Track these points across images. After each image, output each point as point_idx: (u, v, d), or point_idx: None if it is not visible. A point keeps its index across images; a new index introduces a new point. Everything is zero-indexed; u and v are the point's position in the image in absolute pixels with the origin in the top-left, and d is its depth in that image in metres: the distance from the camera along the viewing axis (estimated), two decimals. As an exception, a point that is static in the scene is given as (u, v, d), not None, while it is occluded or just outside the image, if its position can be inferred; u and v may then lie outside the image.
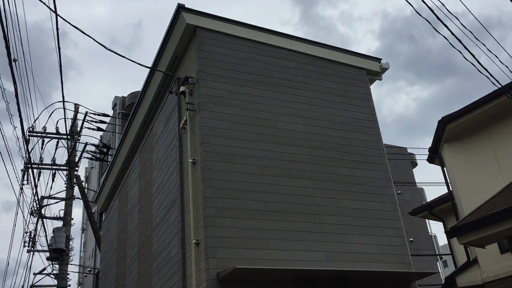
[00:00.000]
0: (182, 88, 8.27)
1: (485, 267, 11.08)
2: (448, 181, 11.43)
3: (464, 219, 8.33)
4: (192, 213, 7.45)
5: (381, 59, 9.93)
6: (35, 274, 18.80)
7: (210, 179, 7.33)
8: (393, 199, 8.55)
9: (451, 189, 11.29)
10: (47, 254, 19.27)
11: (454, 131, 10.72)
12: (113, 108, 24.32)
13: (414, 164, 28.69)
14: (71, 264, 20.06)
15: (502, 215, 7.13)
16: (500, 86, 7.93)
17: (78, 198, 18.90)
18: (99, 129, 18.17)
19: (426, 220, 23.53)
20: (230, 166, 7.55)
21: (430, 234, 27.01)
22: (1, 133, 13.21)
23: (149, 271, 9.19)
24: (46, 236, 18.53)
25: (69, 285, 22.28)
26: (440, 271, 27.09)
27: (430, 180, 53.41)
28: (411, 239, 25.38)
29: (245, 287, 6.80)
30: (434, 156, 11.49)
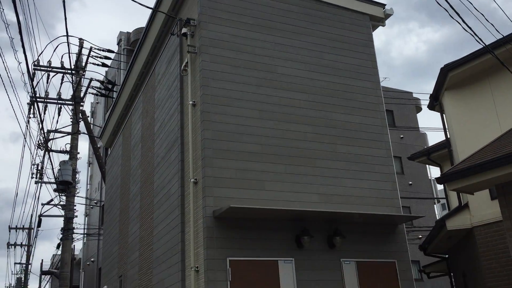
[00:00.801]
0: (183, 30, 8.31)
1: (475, 212, 11.47)
2: (447, 128, 11.62)
3: (455, 166, 8.58)
4: (191, 153, 7.74)
5: (385, 5, 9.82)
6: (43, 204, 19.56)
7: (209, 121, 7.55)
8: (387, 146, 8.77)
9: (448, 136, 11.50)
10: (54, 186, 19.93)
11: (456, 79, 10.76)
12: (118, 44, 24.19)
13: (419, 109, 28.68)
14: (78, 196, 20.73)
15: (491, 164, 7.35)
16: (502, 36, 7.93)
17: (83, 133, 19.26)
18: (104, 65, 18.20)
19: (427, 165, 23.92)
20: (229, 109, 7.74)
21: (430, 178, 27.44)
22: (4, 64, 13.30)
23: (150, 206, 9.63)
24: (52, 168, 19.07)
25: (76, 216, 23.16)
26: (436, 214, 27.74)
27: (434, 126, 53.39)
28: (410, 183, 25.89)
29: (240, 225, 7.19)
30: (435, 103, 11.60)
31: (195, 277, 7.09)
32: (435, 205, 28.10)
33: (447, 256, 14.32)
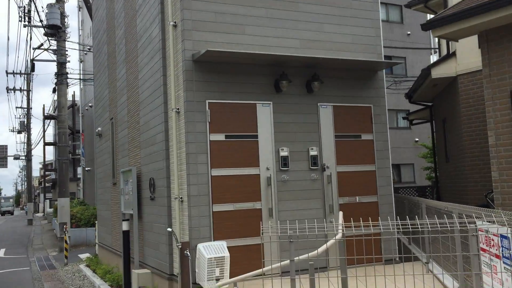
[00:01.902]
0: None
1: (461, 61, 11.53)
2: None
3: (441, 13, 8.40)
4: (170, -5, 7.52)
5: None
6: (34, 49, 19.45)
7: (187, -40, 7.19)
8: (374, -10, 8.47)
9: (443, -18, 11.03)
10: (44, 30, 19.59)
11: None
12: None
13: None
14: (69, 41, 20.56)
15: (475, 10, 7.19)
16: None
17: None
18: None
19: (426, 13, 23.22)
20: None
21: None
22: None
23: (134, 50, 9.63)
24: (38, 12, 18.60)
25: (69, 61, 23.16)
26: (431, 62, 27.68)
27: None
28: (409, 33, 25.43)
29: (219, 69, 7.29)
30: None
31: (176, 118, 7.40)
32: (430, 56, 27.95)
33: (431, 104, 14.74)
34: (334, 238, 4.78)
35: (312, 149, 7.69)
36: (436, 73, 11.73)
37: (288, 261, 4.17)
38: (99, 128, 13.69)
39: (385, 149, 8.22)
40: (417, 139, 23.94)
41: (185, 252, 6.62)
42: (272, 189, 7.36)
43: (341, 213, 6.00)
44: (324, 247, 4.65)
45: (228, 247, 6.71)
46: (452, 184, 12.60)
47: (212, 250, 6.57)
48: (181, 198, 7.22)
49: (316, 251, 4.39)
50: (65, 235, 15.77)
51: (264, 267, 5.18)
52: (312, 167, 7.66)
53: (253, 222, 7.18)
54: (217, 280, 6.48)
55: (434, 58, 28.82)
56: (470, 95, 11.36)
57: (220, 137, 7.19)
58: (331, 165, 7.79)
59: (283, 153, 7.48)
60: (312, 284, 3.87)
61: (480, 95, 11.15)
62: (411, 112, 17.07)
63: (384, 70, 8.42)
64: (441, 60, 11.97)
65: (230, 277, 6.55)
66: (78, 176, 36.51)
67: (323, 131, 7.82)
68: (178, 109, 7.36)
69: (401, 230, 3.98)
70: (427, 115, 15.42)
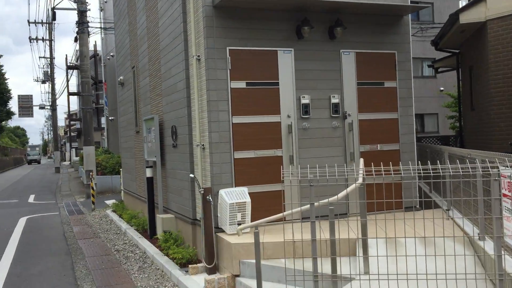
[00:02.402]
0: None
1: (491, 5, 11.08)
2: None
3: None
4: None
5: None
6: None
7: None
8: None
9: None
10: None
11: None
12: None
13: None
14: (89, -11, 20.34)
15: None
16: None
17: None
18: None
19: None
20: None
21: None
22: None
23: (154, -3, 9.50)
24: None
25: (89, 9, 22.93)
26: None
27: None
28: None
29: (240, 15, 7.16)
30: None
31: (197, 65, 7.37)
32: (459, 1, 26.88)
33: (458, 51, 14.32)
34: (356, 182, 4.81)
35: (334, 96, 7.61)
36: (464, 18, 11.32)
37: (308, 205, 4.23)
38: (121, 77, 13.76)
39: (408, 96, 8.09)
40: (442, 88, 23.45)
41: (208, 197, 6.76)
42: (293, 137, 7.38)
43: (362, 159, 6.01)
44: (344, 192, 4.70)
45: (249, 193, 6.83)
46: (477, 133, 12.42)
47: (234, 196, 6.71)
48: (203, 145, 7.31)
49: (336, 196, 4.44)
50: (91, 182, 16.24)
51: (285, 211, 5.27)
52: (333, 115, 7.61)
53: (273, 169, 7.25)
54: (239, 224, 6.65)
55: (463, 3, 27.70)
56: (500, 41, 10.98)
57: (241, 84, 7.16)
58: (352, 113, 7.73)
59: (304, 100, 7.43)
60: (332, 227, 3.94)
61: (510, 41, 10.77)
62: (436, 59, 16.64)
63: (409, 15, 8.16)
64: (470, 4, 11.51)
65: (251, 222, 6.71)
66: (102, 126, 37.10)
67: (345, 78, 7.71)
68: (198, 56, 7.32)
69: (422, 175, 3.96)
70: (453, 63, 15.02)
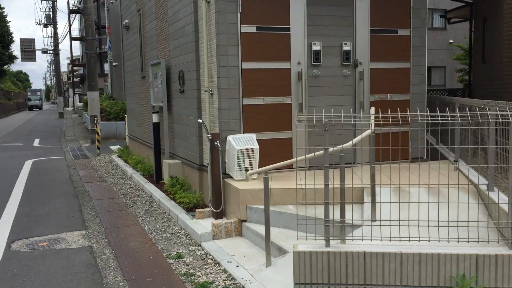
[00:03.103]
0: None
1: (511, -48, 10.63)
2: None
3: None
4: None
5: None
6: None
7: None
8: None
9: None
10: None
11: None
12: None
13: None
14: None
15: None
16: None
17: None
18: None
19: None
20: None
21: None
22: None
23: None
24: None
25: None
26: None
27: None
28: None
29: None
30: None
31: (206, 8, 7.16)
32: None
33: (472, 1, 13.91)
34: (371, 128, 4.74)
35: (346, 44, 7.44)
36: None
37: (321, 152, 4.20)
38: (126, 21, 13.46)
39: (422, 45, 7.90)
40: (451, 41, 23.00)
41: (215, 143, 6.74)
42: (303, 84, 7.26)
43: (373, 107, 5.93)
44: (359, 137, 4.65)
45: (257, 140, 6.80)
46: (487, 86, 12.25)
47: (242, 142, 6.68)
48: (211, 90, 7.21)
49: (351, 142, 4.39)
50: (96, 127, 16.24)
51: (295, 157, 5.25)
52: (344, 63, 7.46)
53: (282, 116, 7.19)
54: (246, 170, 6.66)
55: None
56: (517, -9, 10.62)
57: (252, 29, 6.98)
58: (364, 61, 7.57)
59: (315, 47, 7.27)
60: (342, 172, 3.92)
61: (527, -8, 10.42)
62: (449, 10, 16.20)
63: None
64: (489, -49, 11.07)
65: (259, 168, 6.72)
66: (105, 72, 36.76)
67: (357, 25, 7.50)
68: (208, -2, 7.10)
69: (430, 122, 3.86)
70: (466, 13, 14.63)
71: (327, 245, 3.90)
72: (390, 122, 3.84)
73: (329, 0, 7.32)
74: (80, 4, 31.85)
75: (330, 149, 3.94)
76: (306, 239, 3.92)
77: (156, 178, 9.78)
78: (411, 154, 7.69)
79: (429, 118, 3.90)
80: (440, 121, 3.97)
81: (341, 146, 4.13)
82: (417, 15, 7.82)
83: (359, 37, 7.52)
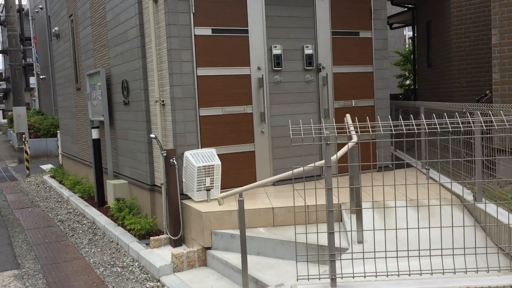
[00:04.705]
0: None
1: (456, -44, 10.63)
2: None
3: None
4: None
5: None
6: None
7: None
8: None
9: None
10: None
11: None
12: None
13: None
14: None
15: None
16: None
17: None
18: None
19: None
20: None
21: None
22: None
23: None
24: None
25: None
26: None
27: None
28: None
29: (203, -51, 6.18)
30: None
31: (154, 9, 6.37)
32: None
33: (413, 6, 13.95)
34: (352, 141, 4.16)
35: (307, 47, 6.89)
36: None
37: (309, 166, 3.57)
38: (56, 28, 12.28)
39: (383, 48, 7.50)
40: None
41: (171, 160, 5.93)
42: (264, 91, 6.62)
43: (348, 115, 5.38)
44: (344, 149, 4.04)
45: (217, 155, 6.07)
46: (433, 90, 12.20)
47: (201, 158, 5.92)
48: (163, 101, 6.40)
49: (335, 156, 3.77)
50: (24, 145, 14.76)
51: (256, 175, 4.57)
52: (306, 67, 6.90)
53: (244, 127, 6.51)
54: (208, 190, 5.90)
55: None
56: (463, -6, 10.62)
57: (207, 31, 6.25)
58: (327, 65, 7.05)
59: (276, 51, 6.66)
60: (329, 195, 3.27)
61: (474, -6, 10.42)
62: (390, 15, 16.24)
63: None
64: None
65: (221, 187, 5.99)
66: (32, 86, 34.42)
67: (319, 27, 6.98)
68: (155, -2, 6.30)
69: (395, 133, 3.30)
70: (408, 18, 14.66)
71: (333, 284, 3.20)
72: (371, 132, 3.28)
73: (289, 0, 6.75)
74: (2, 12, 29.66)
75: (333, 158, 3.29)
76: (308, 279, 3.20)
77: (98, 200, 8.75)
78: (377, 163, 7.24)
79: (404, 127, 3.35)
80: (416, 131, 3.44)
81: (335, 155, 3.48)
82: (377, 16, 7.42)
83: (321, 40, 6.99)
